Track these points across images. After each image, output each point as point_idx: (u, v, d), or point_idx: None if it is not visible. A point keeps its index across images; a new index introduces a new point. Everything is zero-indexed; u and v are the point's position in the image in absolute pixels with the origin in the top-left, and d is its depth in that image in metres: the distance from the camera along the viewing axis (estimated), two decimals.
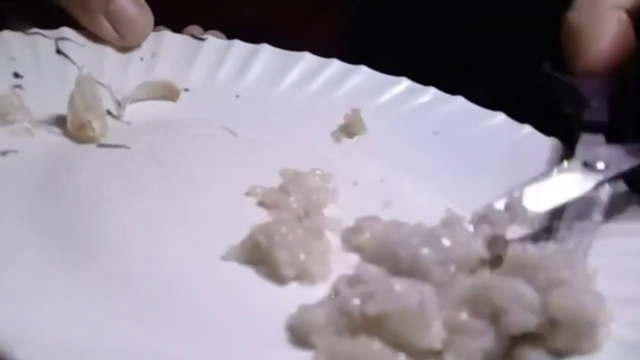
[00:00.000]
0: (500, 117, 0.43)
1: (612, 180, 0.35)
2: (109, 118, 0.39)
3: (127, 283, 0.30)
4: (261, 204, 0.35)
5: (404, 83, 0.45)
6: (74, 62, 0.41)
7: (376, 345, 0.27)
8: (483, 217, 0.31)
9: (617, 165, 0.35)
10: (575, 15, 0.39)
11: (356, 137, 0.42)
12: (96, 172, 0.36)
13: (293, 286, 0.31)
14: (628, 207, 0.36)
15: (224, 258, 0.32)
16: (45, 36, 0.41)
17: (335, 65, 0.45)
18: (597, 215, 0.33)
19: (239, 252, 0.32)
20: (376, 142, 0.42)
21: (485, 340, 0.27)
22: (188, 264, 0.31)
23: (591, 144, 0.36)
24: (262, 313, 0.30)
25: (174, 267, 0.31)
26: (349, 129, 0.42)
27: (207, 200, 0.35)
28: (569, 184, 0.34)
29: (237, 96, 0.43)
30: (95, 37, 0.43)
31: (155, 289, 0.30)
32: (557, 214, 0.33)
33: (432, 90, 0.44)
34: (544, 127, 0.41)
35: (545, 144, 0.41)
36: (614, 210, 0.35)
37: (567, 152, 0.39)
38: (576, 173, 0.34)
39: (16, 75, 0.39)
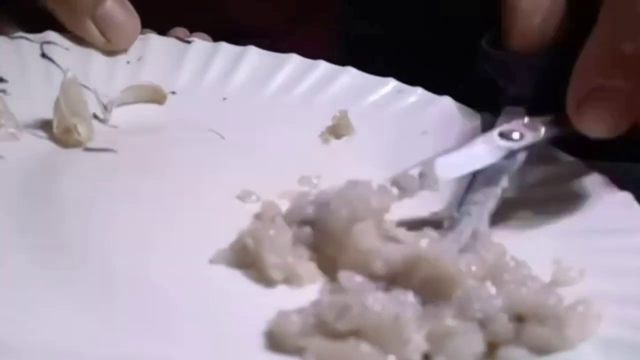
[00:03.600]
0: (486, 116, 0.43)
1: (524, 150, 0.36)
2: (95, 122, 0.39)
3: (114, 287, 0.30)
4: (257, 217, 0.35)
5: (391, 83, 0.45)
6: (59, 66, 0.41)
7: (365, 347, 0.27)
8: (395, 182, 0.33)
9: (531, 136, 0.36)
10: None
11: (344, 138, 0.42)
12: (83, 176, 0.36)
13: (281, 290, 0.31)
14: (538, 175, 0.38)
15: (213, 261, 0.32)
16: (29, 40, 0.41)
17: (323, 66, 0.45)
18: (504, 182, 0.35)
19: (228, 255, 0.32)
20: (364, 143, 0.42)
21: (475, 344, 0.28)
22: (176, 268, 0.31)
23: (511, 117, 0.37)
24: (249, 317, 0.29)
25: (162, 271, 0.31)
26: (337, 130, 0.42)
27: (196, 204, 0.35)
28: (482, 154, 0.35)
29: (224, 99, 0.43)
30: (80, 41, 0.42)
31: (142, 293, 0.30)
32: (471, 184, 0.35)
33: (420, 91, 0.45)
34: None
35: None
36: (524, 177, 0.37)
37: None
38: (491, 143, 0.35)
39: (0, 79, 0.39)
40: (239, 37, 0.45)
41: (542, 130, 0.36)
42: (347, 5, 0.54)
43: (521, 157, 0.36)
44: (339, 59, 0.45)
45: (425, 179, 0.33)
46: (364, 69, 0.45)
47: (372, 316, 0.27)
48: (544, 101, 0.36)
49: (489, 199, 0.34)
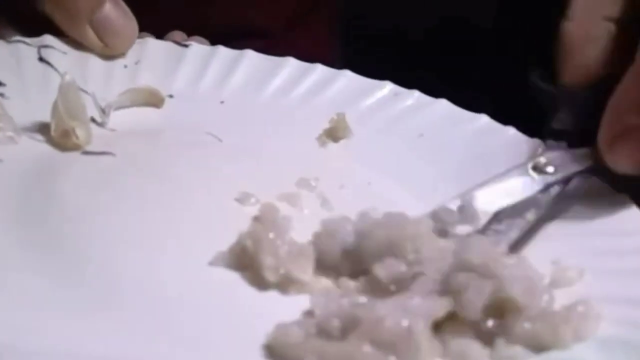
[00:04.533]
0: (483, 119, 0.43)
1: (557, 183, 0.36)
2: (93, 125, 0.39)
3: (113, 289, 0.30)
4: (257, 219, 0.34)
5: (388, 87, 0.45)
6: (56, 70, 0.41)
7: (367, 347, 0.27)
8: (435, 216, 0.33)
9: (564, 169, 0.36)
10: (567, 25, 0.39)
11: (342, 141, 0.42)
12: (81, 179, 0.36)
13: (277, 294, 0.31)
14: (572, 207, 0.37)
15: (212, 264, 0.32)
16: (27, 44, 0.41)
17: (320, 70, 0.45)
18: (531, 215, 0.35)
19: (227, 257, 0.32)
20: (361, 145, 0.42)
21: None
22: (175, 271, 0.31)
23: (550, 150, 0.38)
24: (248, 320, 0.30)
25: (160, 273, 0.31)
26: (334, 133, 0.42)
27: (194, 206, 0.35)
28: (520, 186, 0.35)
29: (222, 102, 0.43)
30: (78, 45, 0.42)
31: (141, 295, 0.30)
32: (497, 215, 0.35)
33: (416, 94, 0.45)
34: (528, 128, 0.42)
35: (529, 146, 0.41)
36: (555, 210, 0.37)
37: None
38: (526, 176, 0.36)
39: None
40: (237, 37, 0.45)
41: (576, 163, 0.36)
42: (344, 7, 0.54)
43: (554, 190, 0.36)
44: (338, 59, 0.45)
45: (466, 212, 0.34)
46: (363, 69, 0.45)
47: (386, 330, 0.27)
48: (589, 136, 0.36)
49: (512, 230, 0.34)
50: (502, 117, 0.43)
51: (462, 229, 0.34)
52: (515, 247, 0.34)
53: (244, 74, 0.45)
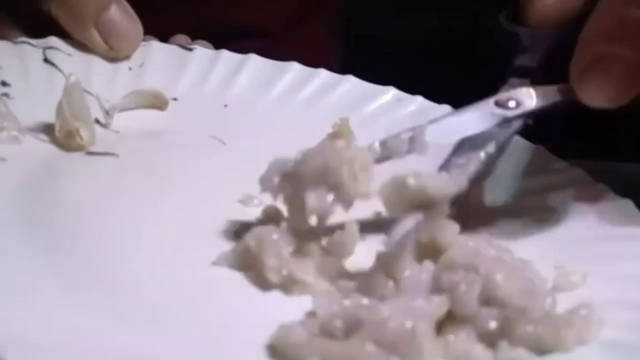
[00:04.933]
0: None
1: (518, 118, 0.35)
2: (97, 127, 0.39)
3: (116, 288, 0.30)
4: (260, 220, 0.35)
5: (391, 92, 0.45)
6: (61, 71, 0.41)
7: (369, 347, 0.27)
8: (384, 144, 0.33)
9: (527, 104, 0.35)
10: None
11: None
12: (85, 179, 0.36)
13: (279, 294, 0.31)
14: (540, 183, 0.37)
15: (215, 263, 0.32)
16: (32, 45, 0.41)
17: (323, 75, 0.45)
18: (490, 147, 0.34)
19: (230, 257, 0.32)
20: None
21: None
22: (178, 271, 0.31)
23: (512, 87, 0.36)
24: (250, 321, 0.30)
25: (164, 273, 0.31)
26: (338, 137, 0.42)
27: (197, 208, 0.35)
28: (475, 121, 0.34)
29: (226, 106, 0.44)
30: (83, 47, 0.43)
31: (145, 296, 0.30)
32: (457, 149, 0.34)
33: (419, 99, 0.45)
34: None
35: (533, 151, 0.41)
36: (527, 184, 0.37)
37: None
38: (486, 110, 0.35)
39: (3, 83, 0.39)
40: (237, 37, 0.45)
41: (539, 98, 0.35)
42: (346, 9, 0.54)
43: (516, 125, 0.35)
44: (337, 59, 0.45)
45: (416, 143, 0.33)
46: (363, 69, 0.46)
47: (390, 332, 0.27)
48: (552, 75, 0.36)
49: (470, 163, 0.34)
50: None
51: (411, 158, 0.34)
52: (475, 181, 0.34)
53: (248, 78, 0.45)
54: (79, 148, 0.37)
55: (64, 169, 0.36)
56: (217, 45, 0.46)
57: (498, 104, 0.35)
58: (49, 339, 0.26)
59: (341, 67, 0.46)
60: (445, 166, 0.34)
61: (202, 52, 0.45)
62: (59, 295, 0.29)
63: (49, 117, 0.38)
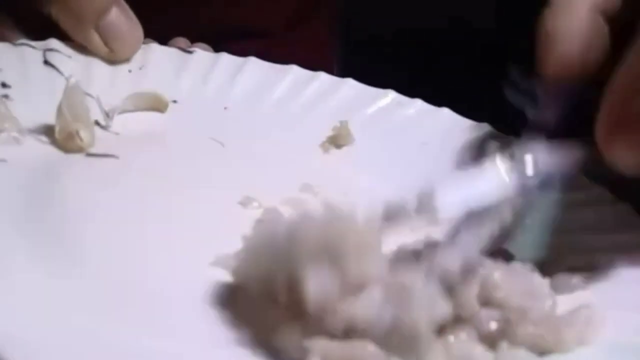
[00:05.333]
0: (485, 128, 0.43)
1: (536, 187, 0.32)
2: (96, 128, 0.39)
3: (116, 289, 0.30)
4: (260, 222, 0.34)
5: (391, 95, 0.45)
6: (61, 73, 0.41)
7: (370, 347, 0.27)
8: (387, 214, 0.30)
9: (546, 167, 0.32)
10: (548, 16, 0.35)
11: (344, 148, 0.43)
12: (85, 181, 0.36)
13: None
14: (573, 216, 0.35)
15: (214, 266, 0.32)
16: (32, 47, 0.41)
17: (323, 78, 0.46)
18: (505, 218, 0.31)
19: (230, 261, 0.32)
20: (364, 153, 0.42)
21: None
22: (176, 272, 0.31)
23: (528, 145, 0.33)
24: (246, 321, 0.29)
25: (163, 275, 0.31)
26: (337, 140, 0.43)
27: (197, 209, 0.35)
28: (489, 189, 0.31)
29: (226, 108, 0.44)
30: (83, 49, 0.43)
31: (143, 295, 0.30)
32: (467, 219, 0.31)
33: (419, 103, 0.45)
34: None
35: None
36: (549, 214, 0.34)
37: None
38: (500, 176, 0.32)
39: (3, 85, 0.39)
40: (237, 37, 0.46)
41: (559, 159, 0.32)
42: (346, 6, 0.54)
43: (533, 193, 0.32)
44: (337, 59, 0.46)
45: (423, 212, 0.30)
46: (362, 69, 0.46)
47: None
48: (571, 132, 0.33)
49: (480, 238, 0.30)
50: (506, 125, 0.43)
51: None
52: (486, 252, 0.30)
53: (247, 81, 0.45)
54: (79, 150, 0.37)
55: (64, 170, 0.36)
56: (217, 46, 0.46)
57: (514, 166, 0.31)
58: (48, 338, 0.26)
59: (341, 68, 0.46)
60: (451, 238, 0.30)
61: (202, 54, 0.45)
62: (58, 295, 0.29)
63: (49, 118, 0.38)
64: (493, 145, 0.38)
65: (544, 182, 0.32)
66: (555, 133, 0.34)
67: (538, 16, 0.35)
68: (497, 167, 0.32)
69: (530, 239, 0.34)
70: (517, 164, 0.32)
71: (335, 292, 0.27)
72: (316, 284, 0.27)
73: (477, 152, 0.38)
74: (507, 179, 0.31)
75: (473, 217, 0.30)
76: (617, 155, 0.30)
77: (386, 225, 0.29)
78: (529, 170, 0.32)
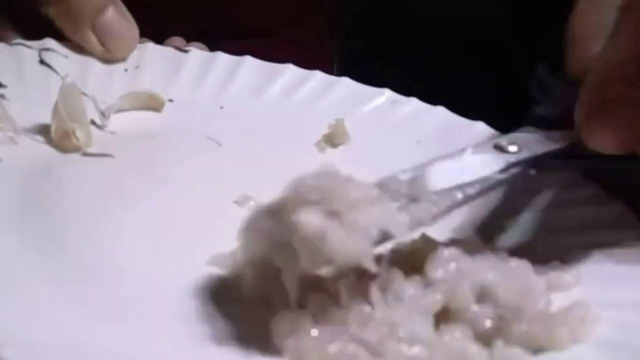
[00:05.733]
0: (480, 126, 0.43)
1: (520, 164, 0.33)
2: (93, 128, 0.39)
3: (111, 288, 0.30)
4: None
5: (386, 94, 0.45)
6: (57, 73, 0.41)
7: (351, 346, 0.27)
8: (382, 185, 0.31)
9: (530, 149, 0.33)
10: (574, 17, 0.36)
11: (340, 147, 0.43)
12: (81, 180, 0.36)
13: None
14: (566, 214, 0.36)
15: (209, 263, 0.32)
16: (28, 47, 0.42)
17: (318, 77, 0.46)
18: (473, 189, 0.32)
19: (225, 260, 0.32)
20: (360, 151, 0.42)
21: None
22: (172, 270, 0.31)
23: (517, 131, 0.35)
24: (235, 323, 0.30)
25: (158, 273, 0.31)
26: (333, 139, 0.43)
27: (193, 208, 0.35)
28: (477, 165, 0.33)
29: (221, 107, 0.44)
30: (79, 48, 0.43)
31: (139, 295, 0.30)
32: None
33: (414, 101, 0.45)
34: None
35: None
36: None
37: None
38: (489, 154, 0.33)
39: None
40: (236, 37, 0.46)
41: (543, 142, 0.34)
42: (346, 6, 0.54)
43: (514, 171, 0.33)
44: (336, 60, 0.46)
45: (416, 185, 0.31)
46: (362, 70, 0.46)
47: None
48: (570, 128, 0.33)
49: (444, 200, 0.31)
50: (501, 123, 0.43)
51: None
52: (436, 217, 0.31)
53: (243, 80, 0.45)
54: (75, 149, 0.37)
55: (60, 169, 0.36)
56: (213, 46, 0.46)
57: (497, 146, 0.33)
58: (47, 337, 0.26)
59: (339, 68, 0.46)
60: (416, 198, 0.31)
61: (197, 54, 0.45)
62: (55, 294, 0.29)
63: (45, 118, 0.38)
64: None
65: (527, 161, 0.33)
66: (555, 127, 0.35)
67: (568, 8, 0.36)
68: (485, 145, 0.33)
69: (517, 226, 0.36)
70: (503, 145, 0.33)
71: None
72: (310, 219, 0.27)
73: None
74: (496, 157, 0.33)
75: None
76: (594, 137, 0.31)
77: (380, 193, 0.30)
78: (512, 149, 0.33)
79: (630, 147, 0.32)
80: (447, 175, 0.32)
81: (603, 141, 0.32)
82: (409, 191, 0.31)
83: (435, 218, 0.31)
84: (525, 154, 0.33)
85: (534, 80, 0.38)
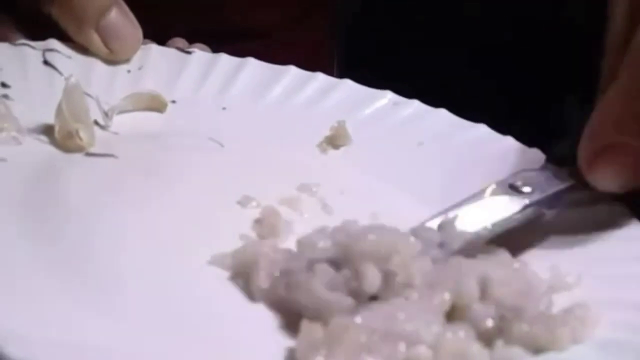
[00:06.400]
0: (482, 128, 0.44)
1: (536, 204, 0.35)
2: (96, 128, 0.39)
3: (116, 287, 0.30)
4: (258, 221, 0.35)
5: (388, 96, 0.45)
6: (61, 73, 0.41)
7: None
8: (415, 233, 0.33)
9: (542, 188, 0.35)
10: (607, 57, 0.37)
11: (342, 149, 0.43)
12: (85, 180, 0.36)
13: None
14: (568, 215, 0.37)
15: (211, 263, 0.32)
16: (32, 47, 0.42)
17: (320, 78, 0.46)
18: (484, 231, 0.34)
19: (227, 260, 0.32)
20: (362, 153, 0.42)
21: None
22: (174, 270, 0.32)
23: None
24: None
25: (162, 273, 0.31)
26: (335, 140, 0.43)
27: (196, 208, 0.35)
28: (501, 207, 0.35)
29: (224, 108, 0.44)
30: (82, 49, 0.43)
31: (141, 293, 0.30)
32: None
33: (416, 103, 0.45)
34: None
35: (527, 155, 0.42)
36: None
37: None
38: (503, 196, 0.35)
39: (3, 85, 0.39)
40: (237, 37, 0.46)
41: (555, 183, 0.35)
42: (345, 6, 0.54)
43: (529, 213, 0.35)
44: (337, 60, 0.46)
45: (445, 232, 0.33)
46: (362, 70, 0.46)
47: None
48: None
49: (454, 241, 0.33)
50: (502, 126, 0.43)
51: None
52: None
53: (245, 81, 0.45)
54: (79, 149, 0.38)
55: (64, 170, 0.36)
56: (216, 47, 0.46)
57: (513, 187, 0.35)
58: (48, 334, 0.26)
59: (339, 68, 0.47)
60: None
61: (200, 55, 0.45)
62: (59, 293, 0.29)
63: (49, 118, 0.38)
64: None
65: (540, 201, 0.35)
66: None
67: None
68: (503, 187, 0.35)
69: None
70: (518, 185, 0.35)
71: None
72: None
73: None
74: (508, 197, 0.35)
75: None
76: (597, 179, 0.34)
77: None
78: (526, 190, 0.35)
79: (628, 188, 0.34)
80: (470, 218, 0.34)
81: (604, 183, 0.34)
82: (441, 239, 0.33)
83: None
84: (538, 195, 0.35)
85: (568, 109, 0.39)
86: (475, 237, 0.33)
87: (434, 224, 0.34)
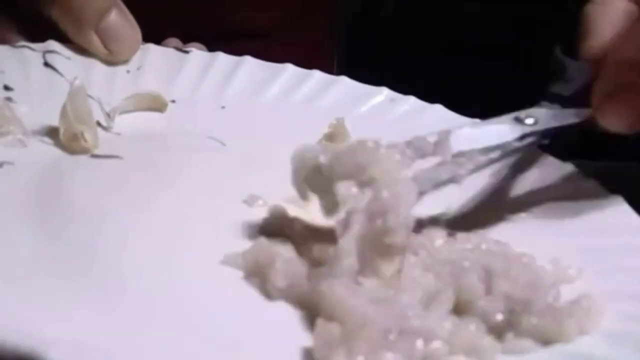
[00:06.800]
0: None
1: (535, 135, 0.36)
2: (99, 129, 0.39)
3: (120, 287, 0.30)
4: (267, 220, 0.35)
5: (385, 92, 0.46)
6: (61, 75, 0.41)
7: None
8: (410, 143, 0.34)
9: (545, 123, 0.37)
10: (590, 4, 0.38)
11: None
12: (91, 181, 0.36)
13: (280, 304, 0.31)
14: (536, 181, 0.39)
15: (223, 264, 0.32)
16: (32, 49, 0.42)
17: (317, 76, 0.46)
18: (483, 159, 0.36)
19: (239, 260, 0.32)
20: None
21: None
22: (181, 269, 0.32)
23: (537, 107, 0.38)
24: (244, 325, 0.30)
25: (170, 273, 0.31)
26: (333, 137, 0.43)
27: (202, 207, 0.36)
28: (498, 132, 0.36)
29: (223, 107, 0.44)
30: (82, 50, 0.43)
31: (147, 293, 0.30)
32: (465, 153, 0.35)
33: (412, 99, 0.46)
34: None
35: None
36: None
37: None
38: (506, 124, 0.36)
39: (6, 87, 0.39)
40: (236, 37, 0.46)
41: (557, 118, 0.37)
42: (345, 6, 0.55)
43: (528, 141, 0.36)
44: (336, 60, 0.46)
45: (440, 146, 0.34)
46: (362, 70, 0.46)
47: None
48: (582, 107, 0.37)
49: (468, 164, 0.35)
50: None
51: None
52: (460, 179, 0.35)
53: (243, 80, 0.45)
54: (84, 151, 0.38)
55: (70, 171, 0.37)
56: (216, 47, 0.47)
57: (517, 119, 0.36)
58: (55, 335, 0.26)
59: (340, 68, 0.47)
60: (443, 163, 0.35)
61: (198, 54, 0.46)
62: (65, 294, 0.29)
63: (52, 120, 0.38)
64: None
65: (541, 132, 0.37)
66: (569, 105, 0.38)
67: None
68: (505, 118, 0.37)
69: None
70: (521, 118, 0.37)
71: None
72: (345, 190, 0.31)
73: None
74: (512, 127, 0.36)
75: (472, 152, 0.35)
76: (606, 118, 0.35)
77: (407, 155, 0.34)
78: (529, 121, 0.36)
79: (633, 130, 0.35)
80: (469, 140, 0.35)
81: (614, 122, 0.35)
82: (434, 152, 0.34)
83: (458, 179, 0.34)
84: (540, 127, 0.36)
85: (552, 58, 0.40)
86: (469, 155, 0.35)
87: (430, 138, 0.35)
